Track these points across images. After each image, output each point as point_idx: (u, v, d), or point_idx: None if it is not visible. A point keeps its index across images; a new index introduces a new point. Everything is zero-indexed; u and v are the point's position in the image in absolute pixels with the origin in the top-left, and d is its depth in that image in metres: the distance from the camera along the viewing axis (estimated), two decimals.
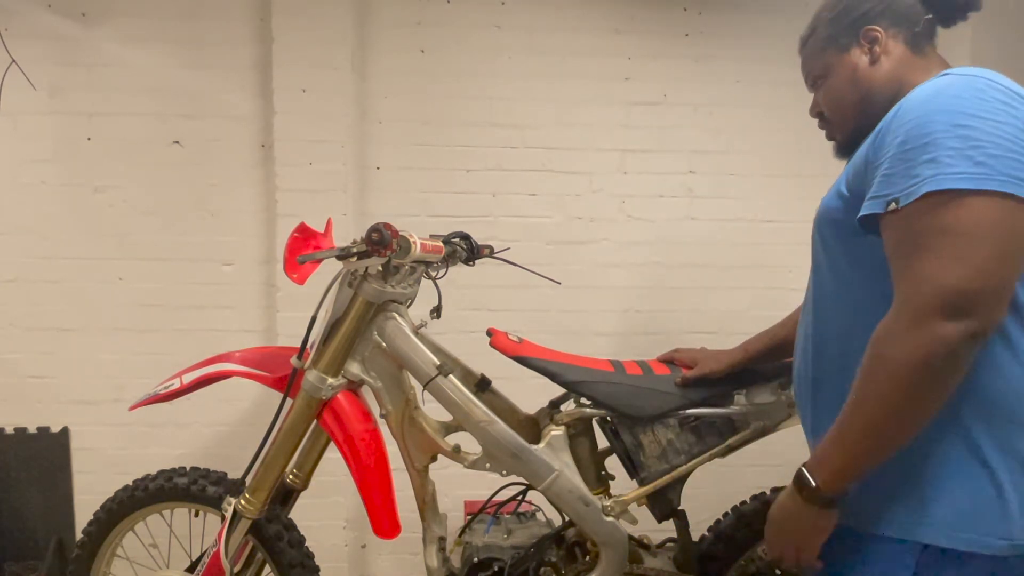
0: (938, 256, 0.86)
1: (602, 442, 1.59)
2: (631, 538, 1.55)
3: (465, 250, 1.70)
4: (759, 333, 1.50)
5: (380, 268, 1.44)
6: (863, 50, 1.09)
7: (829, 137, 1.21)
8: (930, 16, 1.07)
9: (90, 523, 1.76)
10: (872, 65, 1.08)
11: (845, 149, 1.17)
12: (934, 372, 0.87)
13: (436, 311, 1.67)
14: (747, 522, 1.54)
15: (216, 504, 1.66)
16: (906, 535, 0.97)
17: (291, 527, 1.72)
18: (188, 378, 1.65)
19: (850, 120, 1.13)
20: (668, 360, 1.59)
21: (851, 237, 1.01)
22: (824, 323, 1.10)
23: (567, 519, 1.56)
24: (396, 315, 1.50)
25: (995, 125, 0.87)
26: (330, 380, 1.48)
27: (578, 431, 1.55)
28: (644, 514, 1.54)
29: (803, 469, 1.00)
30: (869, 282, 1.01)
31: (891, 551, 0.98)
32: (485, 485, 1.65)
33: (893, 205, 0.90)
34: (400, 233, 1.36)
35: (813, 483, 0.97)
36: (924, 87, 0.96)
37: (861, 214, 0.95)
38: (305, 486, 1.64)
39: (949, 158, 0.86)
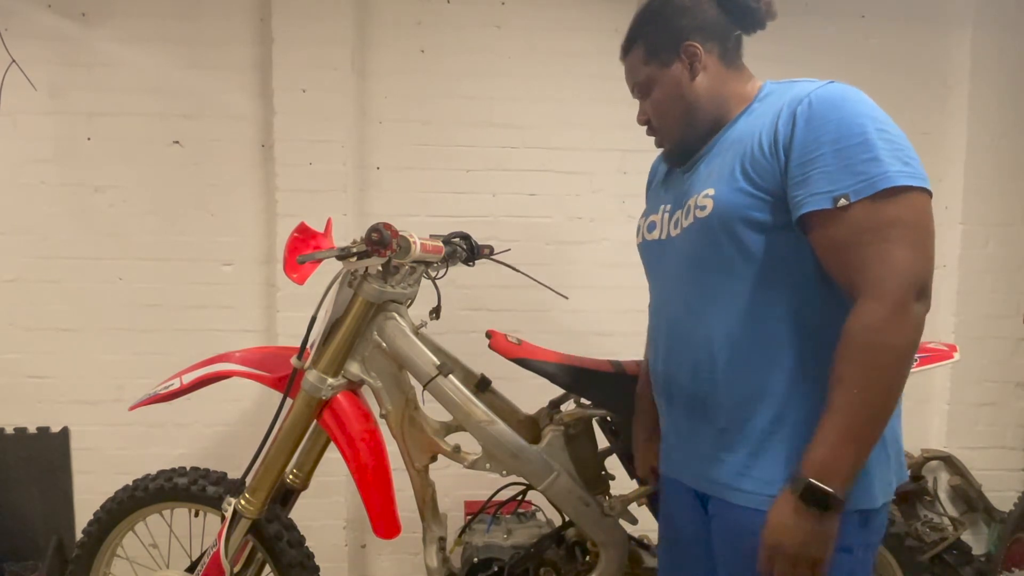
0: (904, 246, 0.92)
1: (602, 442, 1.60)
2: (631, 538, 1.55)
3: (465, 250, 1.70)
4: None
5: (380, 268, 1.45)
6: (684, 64, 1.13)
7: (658, 144, 1.25)
8: (739, 32, 1.14)
9: (90, 523, 1.77)
10: (693, 80, 1.13)
11: (676, 157, 1.22)
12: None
13: (435, 312, 1.67)
14: None
15: (216, 504, 1.67)
16: (851, 507, 0.98)
17: (291, 527, 1.73)
18: (188, 378, 1.65)
19: (676, 131, 1.18)
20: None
21: (766, 233, 1.02)
22: (719, 324, 1.07)
23: (567, 519, 1.56)
24: (396, 315, 1.50)
25: (898, 130, 0.96)
26: (330, 380, 1.48)
27: (578, 431, 1.55)
28: (644, 514, 1.54)
29: (812, 481, 0.92)
30: (768, 278, 1.03)
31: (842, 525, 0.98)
32: (485, 485, 1.65)
33: (844, 201, 0.93)
34: (400, 233, 1.37)
35: (831, 491, 0.92)
36: (827, 89, 0.98)
37: (806, 210, 0.96)
38: (305, 486, 1.64)
39: (888, 157, 0.92)
